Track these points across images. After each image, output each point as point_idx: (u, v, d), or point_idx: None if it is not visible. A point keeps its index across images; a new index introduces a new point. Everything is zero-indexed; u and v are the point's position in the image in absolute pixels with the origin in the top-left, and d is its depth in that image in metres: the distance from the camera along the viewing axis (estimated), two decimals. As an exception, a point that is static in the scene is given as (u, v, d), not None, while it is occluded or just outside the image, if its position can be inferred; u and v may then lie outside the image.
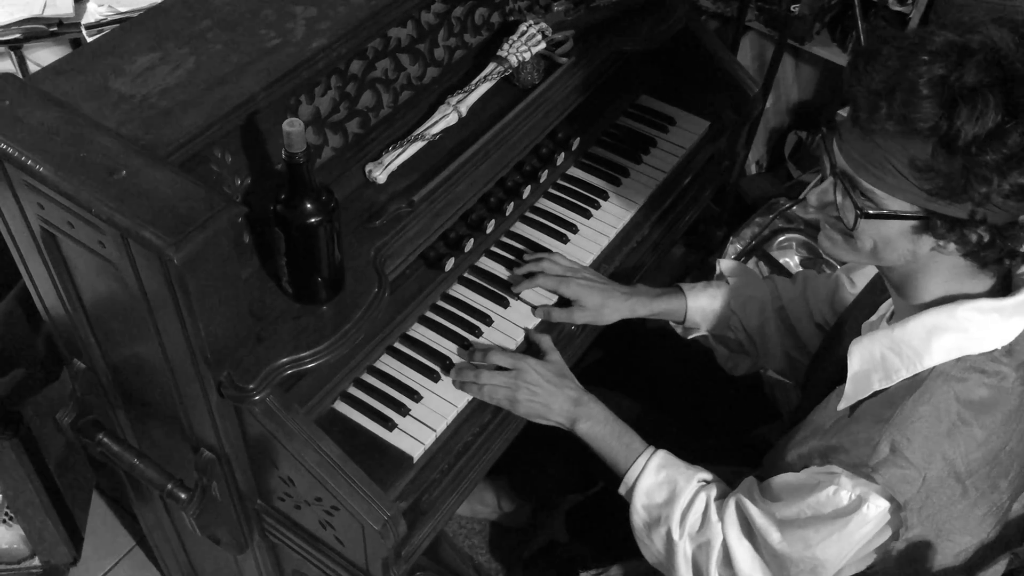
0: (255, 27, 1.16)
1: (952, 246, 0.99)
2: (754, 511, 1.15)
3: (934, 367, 1.03)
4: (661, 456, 1.28)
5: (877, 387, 1.07)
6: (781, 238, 2.34)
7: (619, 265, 1.55)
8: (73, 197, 0.92)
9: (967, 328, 1.02)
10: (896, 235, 1.00)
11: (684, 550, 1.23)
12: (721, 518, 1.20)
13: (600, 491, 1.90)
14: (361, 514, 1.08)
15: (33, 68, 1.85)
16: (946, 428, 1.02)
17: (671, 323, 1.52)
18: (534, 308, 1.42)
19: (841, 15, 2.44)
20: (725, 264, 1.51)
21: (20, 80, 1.06)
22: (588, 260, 1.51)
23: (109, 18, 1.74)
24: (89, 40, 1.73)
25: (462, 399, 1.30)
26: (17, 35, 1.76)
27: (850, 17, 2.32)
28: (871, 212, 0.99)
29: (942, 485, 1.03)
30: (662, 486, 1.26)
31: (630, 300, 1.43)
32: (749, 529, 1.17)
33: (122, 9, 1.74)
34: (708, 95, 1.74)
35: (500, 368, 1.32)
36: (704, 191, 1.77)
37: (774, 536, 1.13)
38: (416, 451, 1.24)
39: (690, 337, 1.52)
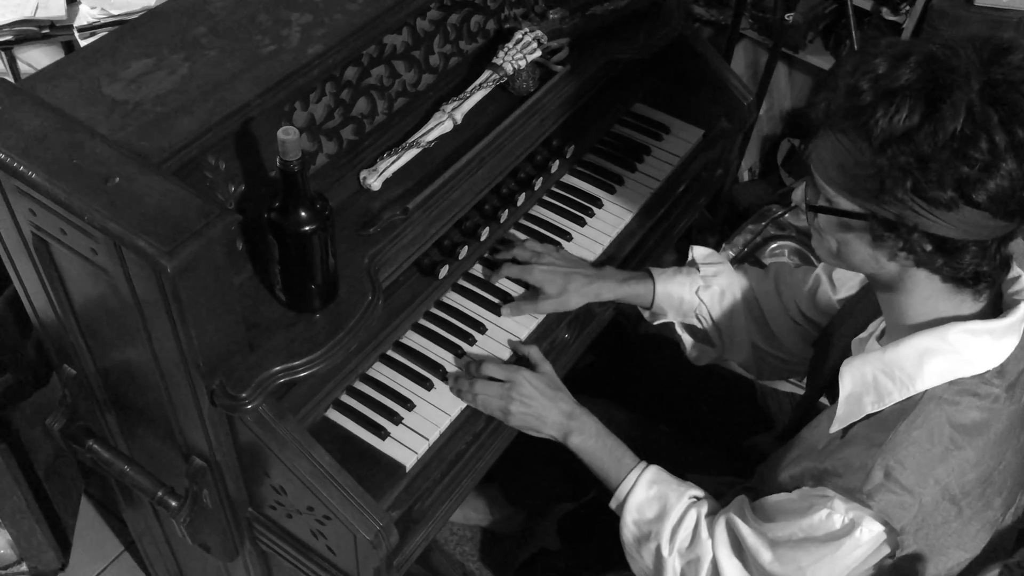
0: (250, 33, 1.16)
1: (913, 262, 0.99)
2: (745, 530, 1.14)
3: (927, 390, 1.02)
4: (652, 472, 1.28)
5: (870, 410, 1.06)
6: (773, 245, 2.35)
7: (623, 262, 1.55)
8: (66, 204, 0.92)
9: (959, 351, 1.01)
10: (853, 238, 1.02)
11: (673, 566, 1.22)
12: (711, 535, 1.19)
13: (592, 499, 1.89)
14: (353, 524, 1.07)
15: (24, 68, 1.83)
16: (940, 452, 1.01)
17: (639, 308, 1.49)
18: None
19: (835, 24, 2.45)
20: (698, 251, 1.47)
21: (13, 85, 1.06)
22: (596, 253, 1.50)
23: (102, 21, 1.73)
24: (81, 43, 1.72)
25: (455, 407, 1.30)
26: (8, 37, 1.75)
27: (843, 26, 2.32)
28: (815, 204, 1.03)
29: (937, 508, 1.02)
30: (652, 502, 1.26)
31: (595, 284, 1.40)
32: (739, 547, 1.16)
33: (115, 12, 1.73)
34: (702, 103, 1.74)
35: (495, 379, 1.31)
36: (698, 199, 1.77)
37: (765, 556, 1.12)
38: (409, 460, 1.23)
39: (656, 323, 1.50)
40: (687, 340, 1.51)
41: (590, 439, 1.30)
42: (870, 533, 1.03)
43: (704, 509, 1.23)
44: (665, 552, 1.22)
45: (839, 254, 1.05)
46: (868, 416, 1.07)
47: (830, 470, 1.07)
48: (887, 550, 1.06)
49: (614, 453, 1.30)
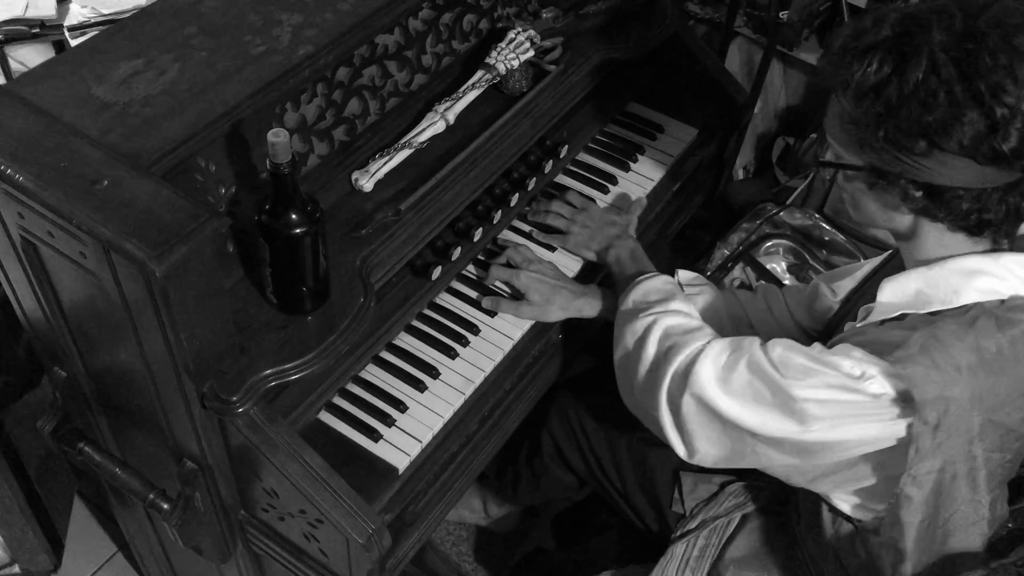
0: (241, 34, 1.15)
1: (912, 211, 1.04)
2: (750, 345, 1.12)
3: (980, 302, 1.03)
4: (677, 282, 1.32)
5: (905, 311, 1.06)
6: (768, 243, 2.34)
7: (607, 272, 1.54)
8: (54, 208, 0.91)
9: (1006, 277, 1.03)
10: (857, 189, 1.08)
11: (660, 334, 1.21)
12: (710, 337, 1.18)
13: (587, 498, 1.89)
14: (345, 527, 1.07)
15: (16, 67, 1.82)
16: (983, 358, 1.01)
17: None
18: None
19: (829, 21, 2.44)
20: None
21: (0, 87, 1.05)
22: (576, 267, 1.50)
23: (92, 20, 1.71)
24: (72, 42, 1.71)
25: (448, 410, 1.29)
26: (-2, 36, 1.74)
27: (838, 23, 2.32)
28: (821, 160, 1.10)
29: (961, 415, 1.01)
30: (662, 290, 1.28)
31: (578, 300, 1.40)
32: (739, 347, 1.14)
33: (105, 11, 1.71)
34: (696, 103, 1.74)
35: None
36: (693, 198, 1.77)
37: (765, 361, 1.09)
38: (402, 462, 1.23)
39: None
40: None
41: (624, 253, 1.43)
42: (882, 388, 1.02)
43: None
44: (657, 322, 1.22)
45: (856, 207, 1.11)
46: (904, 316, 1.06)
47: (861, 340, 1.06)
48: (899, 432, 1.04)
49: (642, 267, 1.38)
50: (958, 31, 0.96)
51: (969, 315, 1.02)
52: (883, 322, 1.08)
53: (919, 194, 1.02)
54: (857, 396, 1.03)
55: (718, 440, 1.15)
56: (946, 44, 0.95)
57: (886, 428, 1.05)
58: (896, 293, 1.08)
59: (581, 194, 1.56)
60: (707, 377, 1.13)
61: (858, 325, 1.10)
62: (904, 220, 1.07)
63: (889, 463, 1.08)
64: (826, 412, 1.05)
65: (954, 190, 1.00)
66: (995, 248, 1.07)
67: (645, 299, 1.30)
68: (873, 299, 1.14)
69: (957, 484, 1.07)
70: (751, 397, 1.10)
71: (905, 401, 1.02)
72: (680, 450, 1.20)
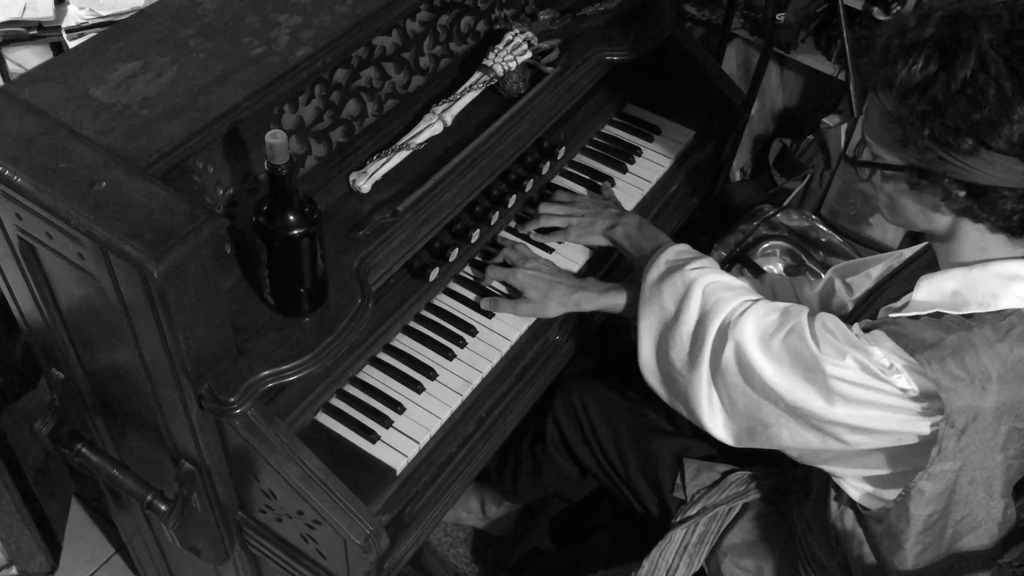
0: (239, 35, 1.15)
1: (954, 211, 1.03)
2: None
3: (1019, 308, 1.02)
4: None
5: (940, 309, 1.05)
6: (765, 245, 2.35)
7: (605, 273, 1.54)
8: (52, 209, 0.91)
9: None
10: (896, 190, 1.07)
11: (704, 288, 1.22)
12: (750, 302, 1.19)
13: (585, 499, 1.90)
14: (343, 528, 1.07)
15: (13, 68, 1.82)
16: (1013, 368, 1.00)
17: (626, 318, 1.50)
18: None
19: (826, 23, 2.45)
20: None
21: (-2, 88, 1.05)
22: (575, 269, 1.50)
23: (90, 22, 1.71)
24: (69, 44, 1.71)
25: (445, 411, 1.29)
26: (-4, 37, 1.74)
27: (835, 25, 2.33)
28: (860, 159, 1.08)
29: (987, 426, 1.01)
30: (693, 252, 1.29)
31: (576, 294, 1.39)
32: (787, 313, 1.15)
33: (103, 13, 1.71)
34: (693, 104, 1.74)
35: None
36: (690, 200, 1.77)
37: (808, 331, 1.10)
38: (399, 464, 1.23)
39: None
40: None
41: (632, 227, 1.43)
42: (908, 384, 1.02)
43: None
44: (698, 284, 1.22)
45: (893, 208, 1.10)
46: (940, 314, 1.05)
47: (894, 330, 1.05)
48: (922, 429, 1.04)
49: (658, 237, 1.38)
50: (1006, 28, 0.95)
51: (1006, 321, 1.02)
52: (918, 317, 1.07)
53: (963, 194, 1.01)
54: (885, 386, 1.04)
55: (744, 405, 1.16)
56: (995, 41, 0.95)
57: (909, 422, 1.06)
58: (933, 292, 1.07)
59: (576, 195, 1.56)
60: (750, 333, 1.14)
61: (890, 316, 1.09)
62: (944, 220, 1.06)
63: (906, 457, 1.09)
64: (853, 393, 1.06)
65: (999, 190, 0.99)
66: None
67: (678, 258, 1.30)
68: (889, 301, 1.15)
69: (975, 488, 1.07)
70: (788, 363, 1.11)
71: (930, 400, 1.02)
72: (706, 416, 1.20)
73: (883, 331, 1.05)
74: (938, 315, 1.05)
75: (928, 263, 1.18)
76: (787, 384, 1.11)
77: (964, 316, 1.03)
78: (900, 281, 1.26)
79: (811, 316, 1.13)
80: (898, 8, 2.26)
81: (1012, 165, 0.97)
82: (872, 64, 1.03)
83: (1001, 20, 0.96)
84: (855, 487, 1.17)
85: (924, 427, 1.05)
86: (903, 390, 1.04)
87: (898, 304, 1.09)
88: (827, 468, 1.18)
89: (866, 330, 1.08)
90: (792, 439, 1.15)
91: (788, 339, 1.11)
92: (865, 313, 1.25)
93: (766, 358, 1.12)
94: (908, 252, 1.32)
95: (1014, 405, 1.02)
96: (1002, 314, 1.02)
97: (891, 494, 1.11)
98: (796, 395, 1.10)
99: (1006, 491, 1.10)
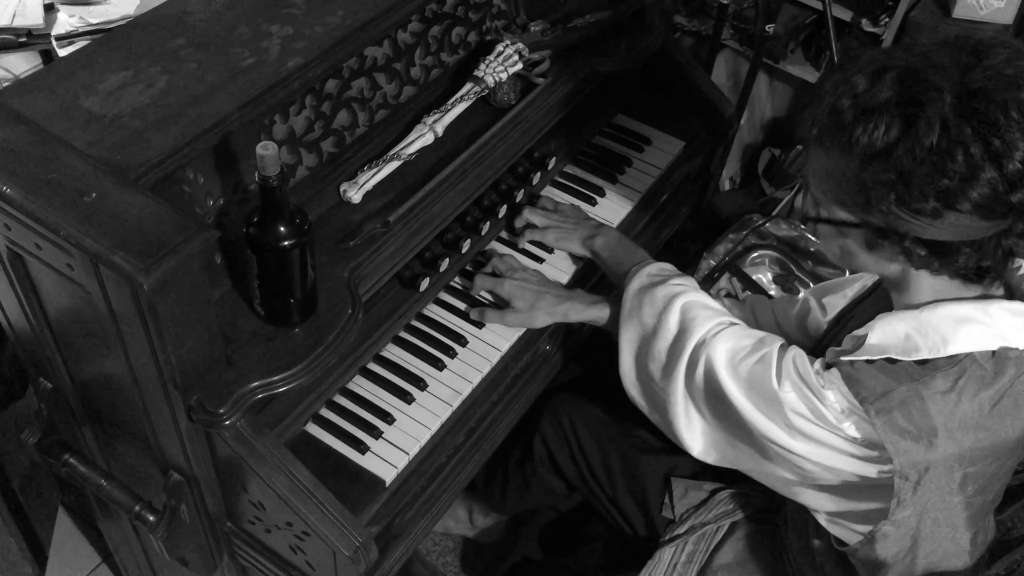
0: (229, 46, 1.15)
1: (912, 265, 1.02)
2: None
3: (971, 353, 1.01)
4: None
5: (892, 355, 1.05)
6: (754, 254, 2.35)
7: (594, 284, 1.55)
8: (41, 220, 0.91)
9: (995, 325, 1.02)
10: (851, 244, 1.06)
11: (683, 305, 1.23)
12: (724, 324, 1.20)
13: (574, 509, 1.90)
14: (332, 540, 1.07)
15: (2, 74, 1.81)
16: (970, 415, 1.01)
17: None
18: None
19: (815, 35, 2.46)
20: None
21: (-13, 98, 1.04)
22: (564, 279, 1.50)
23: (80, 29, 1.71)
24: (59, 52, 1.71)
25: (435, 422, 1.29)
26: (-15, 45, 1.73)
27: (824, 37, 2.34)
28: (811, 215, 1.07)
29: (941, 475, 1.02)
30: (674, 270, 1.30)
31: (563, 304, 1.39)
32: (760, 341, 1.16)
33: (93, 21, 1.71)
34: (683, 115, 1.75)
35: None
36: (680, 210, 1.78)
37: (774, 362, 1.11)
38: (389, 475, 1.23)
39: None
40: None
41: (612, 242, 1.42)
42: (858, 433, 1.03)
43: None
44: (678, 300, 1.23)
45: (843, 258, 1.09)
46: (893, 360, 1.04)
47: (848, 373, 1.04)
48: (870, 473, 1.05)
49: (637, 253, 1.38)
50: (964, 89, 0.93)
51: (957, 367, 1.01)
52: (872, 361, 1.06)
53: (923, 252, 1.00)
54: (837, 431, 1.05)
55: (715, 423, 1.17)
56: (955, 105, 0.92)
57: (860, 467, 1.07)
58: (887, 335, 1.05)
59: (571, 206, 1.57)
60: (722, 353, 1.15)
61: (843, 359, 1.07)
62: (898, 269, 1.05)
63: (870, 493, 1.09)
64: (810, 431, 1.07)
65: (959, 246, 0.98)
66: (986, 295, 1.05)
67: (661, 274, 1.30)
68: (861, 324, 1.15)
69: (938, 526, 1.08)
70: (752, 389, 1.12)
71: (880, 449, 1.03)
72: (683, 434, 1.21)
73: (839, 371, 1.05)
74: (892, 360, 1.04)
75: None
76: (750, 408, 1.12)
77: (917, 362, 1.03)
78: (873, 300, 1.26)
79: (783, 348, 1.13)
80: (886, 20, 2.27)
81: (974, 222, 0.96)
82: (821, 124, 1.00)
83: (953, 77, 0.93)
84: (825, 519, 1.18)
85: (872, 472, 1.06)
86: (853, 438, 1.05)
87: (849, 347, 1.08)
88: (797, 499, 1.19)
89: (828, 366, 1.08)
90: (756, 465, 1.16)
91: (756, 366, 1.12)
92: (836, 337, 1.26)
93: (733, 380, 1.13)
94: None
95: (964, 454, 1.02)
96: (953, 360, 1.01)
97: (861, 528, 1.12)
98: (759, 420, 1.11)
99: (971, 524, 1.11)
